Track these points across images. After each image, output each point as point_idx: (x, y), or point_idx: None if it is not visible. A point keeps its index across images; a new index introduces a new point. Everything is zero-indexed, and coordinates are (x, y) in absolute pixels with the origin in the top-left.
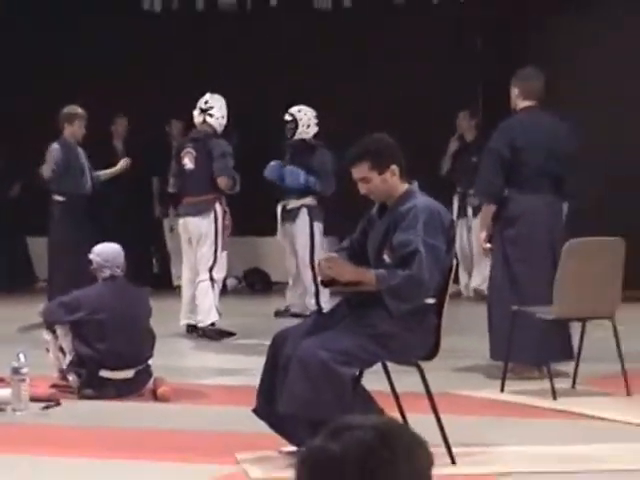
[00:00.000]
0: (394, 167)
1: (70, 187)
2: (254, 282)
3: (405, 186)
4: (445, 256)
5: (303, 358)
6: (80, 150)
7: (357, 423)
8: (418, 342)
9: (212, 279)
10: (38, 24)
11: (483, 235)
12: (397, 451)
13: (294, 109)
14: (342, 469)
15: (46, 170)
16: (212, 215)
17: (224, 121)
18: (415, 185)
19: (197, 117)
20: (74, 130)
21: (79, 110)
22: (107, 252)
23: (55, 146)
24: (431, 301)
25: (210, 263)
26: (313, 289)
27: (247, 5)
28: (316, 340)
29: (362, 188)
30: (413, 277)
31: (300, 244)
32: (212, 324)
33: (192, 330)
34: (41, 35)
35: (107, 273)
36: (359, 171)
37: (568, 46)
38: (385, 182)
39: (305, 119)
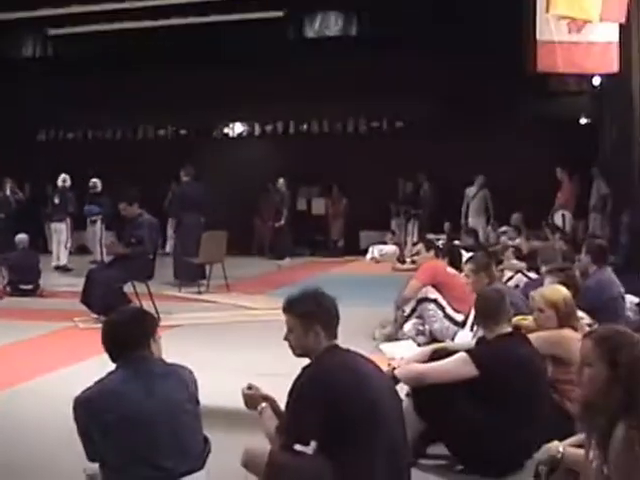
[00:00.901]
0: (135, 203)
1: (4, 211)
2: (82, 249)
3: (140, 211)
4: (157, 237)
5: (99, 280)
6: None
7: (122, 309)
8: (145, 272)
9: (65, 248)
10: None
11: (171, 231)
12: (137, 319)
13: (94, 180)
14: (117, 328)
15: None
16: (65, 222)
17: (69, 184)
18: (144, 211)
19: (60, 183)
20: (6, 187)
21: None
22: (20, 237)
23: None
24: (151, 256)
25: (65, 241)
26: (99, 251)
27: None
28: (104, 272)
29: (123, 212)
30: (143, 248)
31: (97, 234)
32: (64, 265)
33: (57, 268)
34: None
35: (21, 246)
36: (123, 207)
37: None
38: (132, 208)
39: (98, 183)
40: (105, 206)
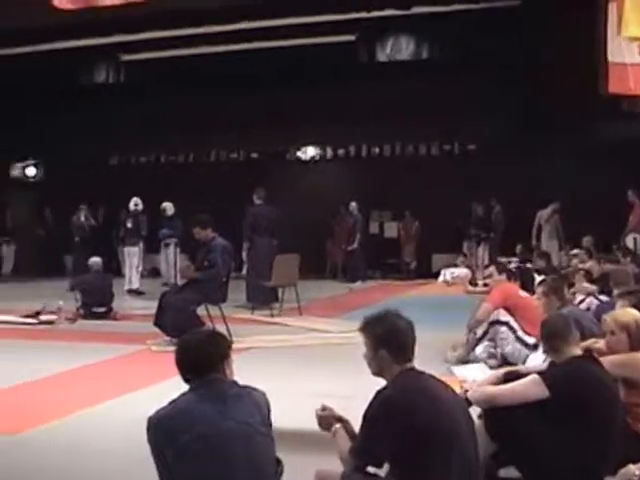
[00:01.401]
0: (209, 227)
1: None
2: (155, 272)
3: (213, 234)
4: (230, 260)
5: (172, 302)
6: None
7: (196, 331)
8: (218, 295)
9: (137, 271)
10: None
11: (244, 255)
12: (211, 341)
13: (166, 203)
14: (191, 350)
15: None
16: (137, 246)
17: (141, 208)
18: (217, 235)
19: (132, 207)
20: (80, 214)
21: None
22: (94, 260)
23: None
24: (224, 279)
25: (137, 264)
26: (172, 274)
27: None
28: (177, 295)
29: (196, 235)
30: (215, 272)
31: (170, 258)
32: (136, 289)
33: (129, 291)
34: None
35: (94, 269)
36: (196, 231)
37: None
38: (206, 232)
39: (170, 206)
40: (178, 229)
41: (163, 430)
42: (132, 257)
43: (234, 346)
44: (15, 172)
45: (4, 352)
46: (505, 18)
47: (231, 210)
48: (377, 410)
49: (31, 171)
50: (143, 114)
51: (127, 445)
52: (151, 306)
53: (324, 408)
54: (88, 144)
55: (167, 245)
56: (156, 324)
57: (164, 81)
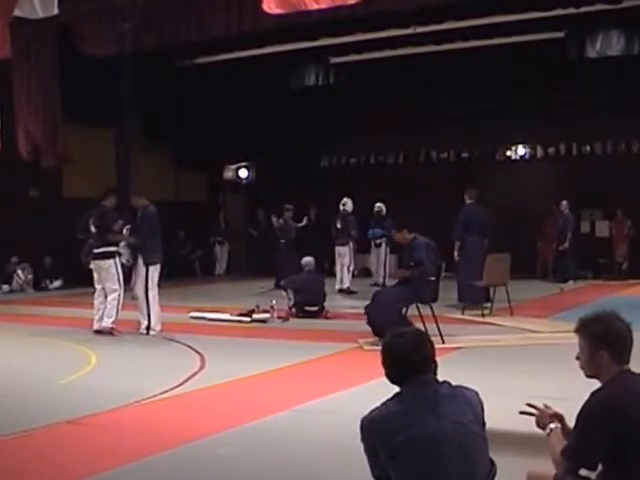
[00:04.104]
0: (406, 229)
1: (284, 237)
2: (365, 272)
3: (414, 235)
4: (436, 259)
5: (382, 302)
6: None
7: (404, 329)
8: (429, 294)
9: (348, 271)
10: None
11: (456, 254)
12: (418, 342)
13: (379, 204)
14: (400, 351)
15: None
16: (347, 246)
17: (350, 208)
18: (418, 235)
19: (340, 207)
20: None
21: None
22: (307, 260)
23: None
24: (432, 278)
25: (347, 264)
26: (382, 274)
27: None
28: (388, 294)
29: (396, 239)
30: (423, 270)
31: (381, 257)
32: (347, 288)
33: (340, 291)
34: None
35: (307, 269)
36: (397, 235)
37: None
38: (402, 234)
39: (382, 207)
40: (389, 229)
41: (376, 431)
42: (342, 257)
43: (445, 345)
44: (228, 174)
45: (219, 349)
46: None
47: (441, 210)
48: (592, 411)
49: (243, 173)
50: (353, 115)
51: (337, 442)
52: (362, 305)
53: (546, 406)
54: (299, 146)
55: (378, 245)
56: (368, 323)
57: (373, 82)
